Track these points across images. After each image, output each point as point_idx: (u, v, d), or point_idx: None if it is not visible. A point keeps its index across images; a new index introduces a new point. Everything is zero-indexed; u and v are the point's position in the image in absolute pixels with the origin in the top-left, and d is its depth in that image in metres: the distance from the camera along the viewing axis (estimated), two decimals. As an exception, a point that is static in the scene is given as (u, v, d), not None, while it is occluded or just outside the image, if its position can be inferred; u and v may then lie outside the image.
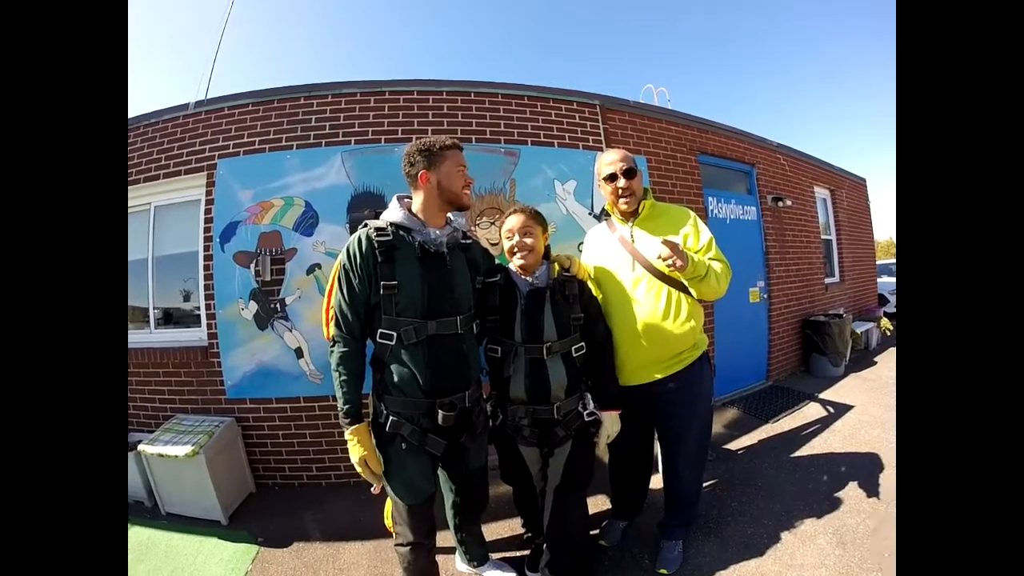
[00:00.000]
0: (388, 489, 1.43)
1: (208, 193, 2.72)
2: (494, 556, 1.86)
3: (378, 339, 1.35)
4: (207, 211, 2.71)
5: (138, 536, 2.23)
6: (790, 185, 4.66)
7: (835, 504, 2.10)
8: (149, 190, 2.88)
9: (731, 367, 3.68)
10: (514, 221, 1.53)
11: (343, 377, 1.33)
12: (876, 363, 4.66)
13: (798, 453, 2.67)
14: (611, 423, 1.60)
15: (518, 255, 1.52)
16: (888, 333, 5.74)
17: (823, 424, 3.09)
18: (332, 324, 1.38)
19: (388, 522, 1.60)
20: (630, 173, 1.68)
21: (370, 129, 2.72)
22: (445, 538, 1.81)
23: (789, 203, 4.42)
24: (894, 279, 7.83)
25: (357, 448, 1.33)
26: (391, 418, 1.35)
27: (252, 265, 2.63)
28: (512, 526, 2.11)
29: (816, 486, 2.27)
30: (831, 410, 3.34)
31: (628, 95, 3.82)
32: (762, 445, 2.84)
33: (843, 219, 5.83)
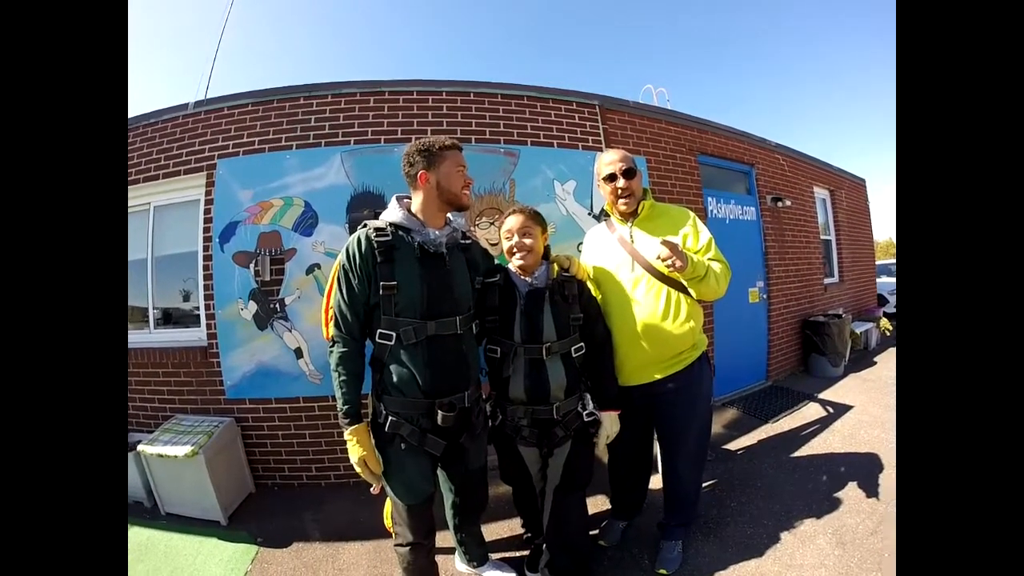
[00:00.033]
0: (387, 489, 1.43)
1: (208, 193, 2.72)
2: (494, 556, 1.86)
3: (377, 339, 1.35)
4: (206, 211, 2.71)
5: (138, 536, 2.23)
6: (789, 185, 4.66)
7: (835, 504, 2.10)
8: (149, 190, 2.88)
9: (731, 367, 3.68)
10: (513, 221, 1.53)
11: (342, 377, 1.33)
12: (876, 363, 4.67)
13: (798, 453, 2.67)
14: (610, 423, 1.60)
15: (517, 255, 1.52)
16: (888, 333, 5.74)
17: (823, 424, 3.09)
18: (331, 324, 1.38)
19: (388, 522, 1.60)
20: (629, 173, 1.68)
21: (369, 129, 2.72)
22: (445, 538, 1.80)
23: (788, 203, 4.42)
24: (894, 279, 7.83)
25: (356, 448, 1.33)
26: (390, 418, 1.35)
27: (251, 265, 2.63)
28: (512, 526, 2.11)
29: (816, 486, 2.27)
30: (830, 410, 3.34)
31: (627, 95, 3.82)
32: (761, 445, 2.84)
33: (842, 219, 5.83)
